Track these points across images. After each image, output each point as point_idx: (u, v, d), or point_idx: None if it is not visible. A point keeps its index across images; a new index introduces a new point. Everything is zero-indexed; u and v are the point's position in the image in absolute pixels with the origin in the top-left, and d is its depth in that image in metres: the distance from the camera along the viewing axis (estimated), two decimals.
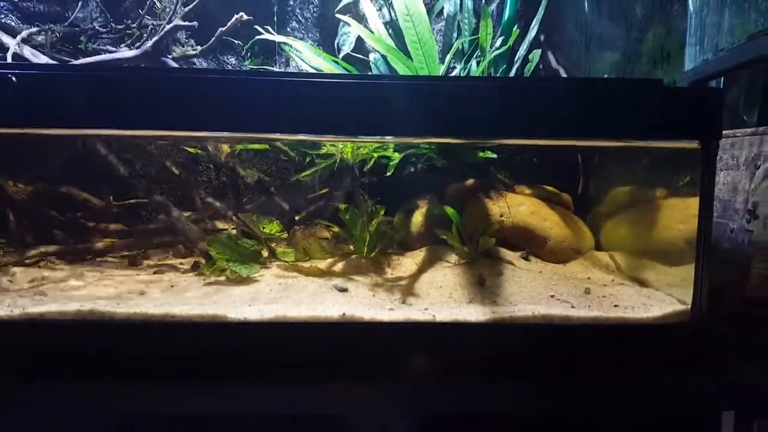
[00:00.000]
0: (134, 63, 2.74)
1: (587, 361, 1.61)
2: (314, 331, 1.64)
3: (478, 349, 1.63)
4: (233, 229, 2.60)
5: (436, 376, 1.58)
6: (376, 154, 2.14)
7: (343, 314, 1.65)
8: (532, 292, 1.91)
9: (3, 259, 2.13)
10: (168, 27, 2.52)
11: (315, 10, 3.57)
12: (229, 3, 3.05)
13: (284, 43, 2.90)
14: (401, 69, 2.47)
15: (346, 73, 2.71)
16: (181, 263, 2.30)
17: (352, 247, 2.30)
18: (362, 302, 1.81)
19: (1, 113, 1.52)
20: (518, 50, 2.86)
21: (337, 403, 1.53)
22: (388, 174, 2.12)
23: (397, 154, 2.16)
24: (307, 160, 2.31)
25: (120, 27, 3.17)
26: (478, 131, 1.63)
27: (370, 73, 3.15)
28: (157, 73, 1.91)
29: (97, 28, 3.19)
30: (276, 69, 3.42)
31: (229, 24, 2.66)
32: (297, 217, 2.59)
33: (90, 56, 3.12)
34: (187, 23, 2.54)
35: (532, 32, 2.93)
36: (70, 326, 1.59)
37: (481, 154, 2.25)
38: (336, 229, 2.29)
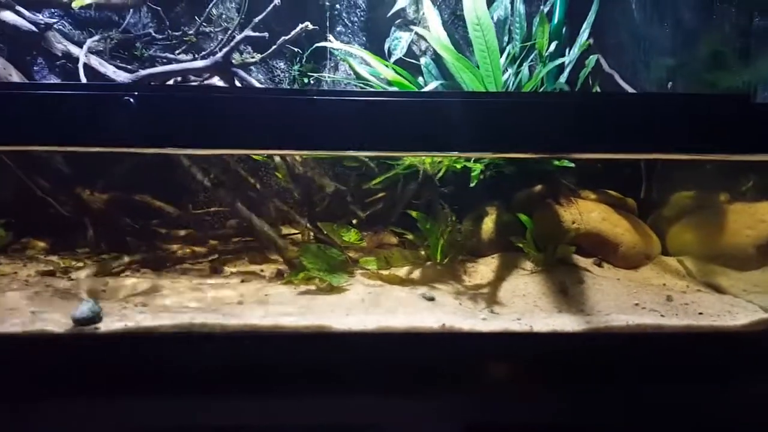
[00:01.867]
0: (205, 73, 2.78)
1: (685, 370, 1.66)
2: (416, 342, 1.70)
3: (577, 359, 1.69)
4: (299, 234, 2.66)
5: (540, 386, 1.64)
6: (458, 165, 2.19)
7: (443, 325, 1.70)
8: (616, 301, 1.96)
9: (93, 269, 2.19)
10: (239, 37, 2.57)
11: (362, 14, 3.60)
12: (280, 10, 3.06)
13: (336, 49, 2.93)
14: (468, 77, 2.51)
15: (398, 79, 2.75)
16: (261, 270, 2.36)
17: (423, 253, 2.36)
18: (453, 311, 1.86)
19: (121, 134, 1.57)
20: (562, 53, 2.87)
21: (451, 411, 1.59)
22: (472, 184, 2.17)
23: (478, 165, 2.21)
24: (392, 172, 2.37)
25: (177, 34, 3.22)
26: (565, 146, 1.66)
27: (420, 79, 3.18)
28: (251, 94, 1.97)
29: (153, 34, 3.23)
30: (326, 74, 3.45)
31: (293, 33, 2.70)
32: (354, 221, 2.65)
33: (146, 63, 3.17)
34: (257, 33, 2.58)
35: (583, 36, 2.96)
36: (185, 339, 1.65)
37: (556, 162, 2.29)
38: (410, 236, 2.34)
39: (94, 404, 1.57)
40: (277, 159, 2.69)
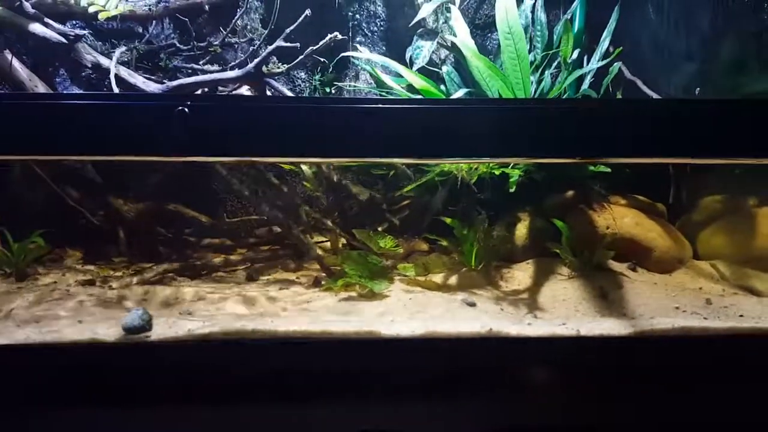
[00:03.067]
0: (237, 83, 2.80)
1: (731, 372, 1.67)
2: (464, 347, 1.71)
3: (625, 362, 1.70)
4: (328, 242, 2.67)
5: (590, 390, 1.65)
6: (497, 171, 2.21)
7: (490, 329, 1.71)
8: (657, 304, 1.97)
9: (132, 278, 2.20)
10: (271, 47, 2.60)
11: (382, 24, 3.62)
12: (303, 20, 3.06)
13: (359, 59, 2.95)
14: (498, 85, 2.53)
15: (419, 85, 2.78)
16: (297, 278, 2.37)
17: (456, 258, 2.37)
18: (497, 317, 1.88)
19: (175, 144, 1.58)
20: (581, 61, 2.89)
21: (502, 416, 1.60)
22: (512, 190, 2.19)
23: (516, 171, 2.23)
24: (426, 177, 2.38)
25: (202, 45, 3.24)
26: (627, 152, 1.68)
27: (442, 87, 3.20)
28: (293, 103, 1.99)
29: (177, 45, 3.25)
30: (347, 83, 3.47)
31: (321, 43, 2.72)
32: (380, 228, 2.67)
33: (169, 73, 3.19)
34: (289, 44, 2.61)
35: (604, 44, 2.98)
36: (237, 346, 1.66)
37: (592, 168, 2.31)
38: (444, 242, 2.36)
39: (148, 414, 1.58)
40: (305, 167, 2.71)
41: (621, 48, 2.56)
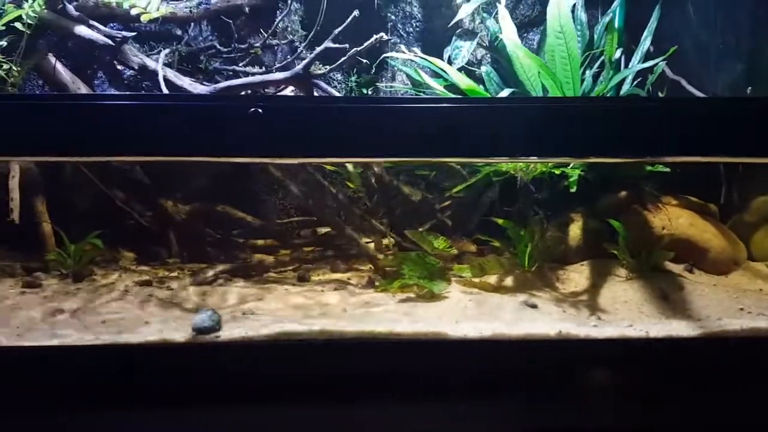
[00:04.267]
0: (285, 84, 2.80)
1: None
2: (533, 348, 1.70)
3: (696, 363, 1.68)
4: (372, 243, 2.67)
5: (661, 391, 1.64)
6: (557, 171, 2.20)
7: (559, 332, 1.70)
8: (720, 306, 1.95)
9: (189, 279, 2.21)
10: (319, 49, 2.60)
11: (417, 24, 3.61)
12: (338, 22, 3.02)
13: (396, 59, 2.94)
14: (548, 84, 2.52)
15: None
16: (348, 278, 2.37)
17: (509, 259, 2.35)
18: (561, 318, 1.87)
19: (248, 144, 1.58)
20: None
21: (574, 416, 1.59)
22: (573, 190, 2.18)
23: (576, 170, 2.21)
24: (477, 176, 2.38)
25: (243, 46, 3.24)
26: (693, 150, 1.66)
27: (481, 87, 3.19)
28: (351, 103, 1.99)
29: (217, 47, 3.26)
30: (384, 84, 3.46)
31: (366, 44, 2.71)
32: (421, 229, 2.66)
33: (209, 75, 3.19)
34: (338, 45, 2.61)
35: (646, 43, 2.95)
36: (307, 346, 1.66)
37: (649, 167, 2.29)
38: (497, 243, 2.34)
39: (221, 413, 1.58)
40: (350, 167, 2.71)
41: (675, 47, 2.53)
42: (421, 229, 2.47)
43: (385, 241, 2.60)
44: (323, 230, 2.81)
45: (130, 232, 2.59)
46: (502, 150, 1.62)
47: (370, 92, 3.38)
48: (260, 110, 1.58)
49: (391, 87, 3.42)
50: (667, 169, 2.31)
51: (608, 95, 2.81)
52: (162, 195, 2.60)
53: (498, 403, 1.60)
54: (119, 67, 3.08)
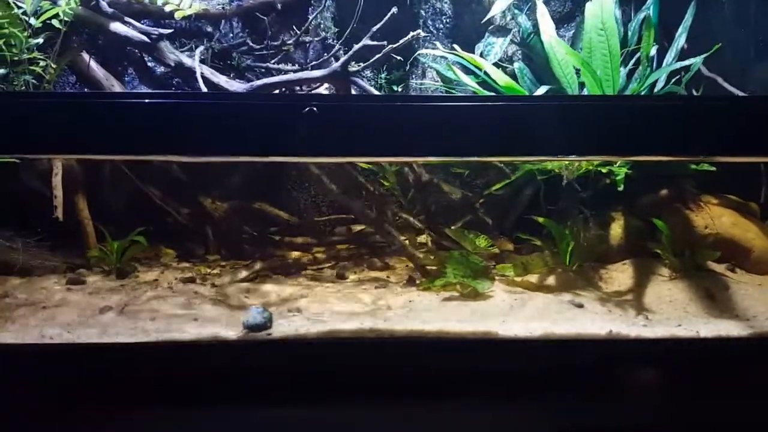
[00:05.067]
0: (322, 82, 2.80)
1: None
2: (584, 348, 1.69)
3: (746, 363, 1.67)
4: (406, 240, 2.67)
5: (713, 389, 1.63)
6: (604, 169, 2.19)
7: (610, 331, 1.70)
8: (767, 306, 1.94)
9: (231, 276, 2.22)
10: (357, 46, 2.60)
11: (447, 21, 3.59)
12: (369, 19, 3.01)
13: (422, 54, 2.93)
14: (589, 82, 2.50)
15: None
16: (387, 276, 2.37)
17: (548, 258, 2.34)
18: (608, 318, 1.86)
19: (304, 143, 1.58)
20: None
21: (628, 415, 1.58)
22: (620, 188, 2.17)
23: (623, 169, 2.20)
24: (517, 173, 2.37)
25: (275, 44, 3.24)
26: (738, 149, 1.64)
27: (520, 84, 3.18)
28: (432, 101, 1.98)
29: (250, 44, 3.26)
30: (414, 81, 3.45)
31: (402, 41, 2.70)
32: (453, 227, 2.65)
33: (241, 72, 3.19)
34: (376, 42, 2.61)
35: (680, 40, 2.92)
36: (359, 344, 1.67)
37: (694, 166, 2.28)
38: (538, 241, 2.34)
39: (276, 410, 1.59)
40: (387, 165, 2.71)
41: (719, 44, 2.50)
42: (454, 228, 2.48)
43: (420, 239, 2.60)
44: (358, 228, 2.82)
45: (169, 230, 2.61)
46: (569, 148, 1.59)
47: (400, 89, 3.38)
48: (315, 109, 1.58)
49: (422, 84, 3.42)
50: (713, 168, 2.29)
51: (643, 93, 2.79)
52: (199, 193, 2.62)
53: (550, 402, 1.59)
54: (150, 64, 3.10)
